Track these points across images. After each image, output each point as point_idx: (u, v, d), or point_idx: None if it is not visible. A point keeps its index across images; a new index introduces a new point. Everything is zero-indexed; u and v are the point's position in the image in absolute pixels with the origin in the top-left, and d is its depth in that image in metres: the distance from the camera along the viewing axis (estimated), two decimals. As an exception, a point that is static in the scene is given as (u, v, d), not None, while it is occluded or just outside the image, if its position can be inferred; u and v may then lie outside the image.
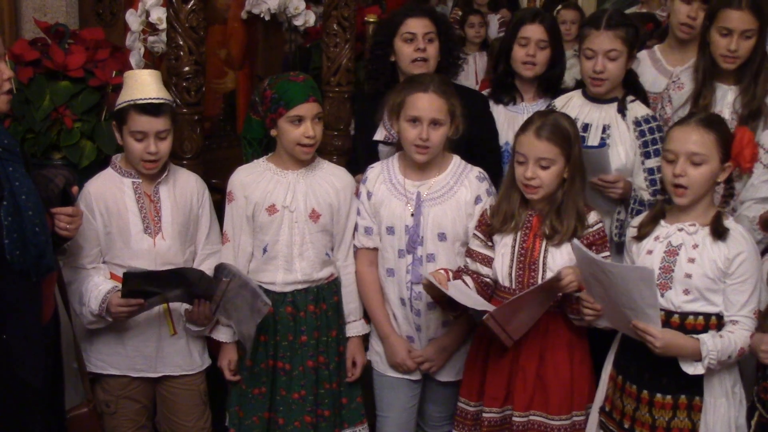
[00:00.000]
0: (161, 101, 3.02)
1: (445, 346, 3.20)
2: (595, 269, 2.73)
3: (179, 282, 2.94)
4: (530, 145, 2.91)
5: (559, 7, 5.70)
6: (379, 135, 3.51)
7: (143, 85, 3.02)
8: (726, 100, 3.40)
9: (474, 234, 3.08)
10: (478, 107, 3.45)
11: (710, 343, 2.68)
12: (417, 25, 3.47)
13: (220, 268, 2.97)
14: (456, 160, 3.18)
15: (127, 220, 3.05)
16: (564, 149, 2.91)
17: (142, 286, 2.91)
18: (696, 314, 2.75)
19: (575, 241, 2.81)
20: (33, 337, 2.60)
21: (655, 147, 3.28)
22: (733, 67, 3.34)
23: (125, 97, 3.02)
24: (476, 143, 3.29)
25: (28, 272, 2.55)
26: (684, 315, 2.76)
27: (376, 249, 3.22)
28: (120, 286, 2.92)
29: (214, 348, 3.25)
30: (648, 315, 2.68)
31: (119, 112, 3.02)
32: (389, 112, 3.18)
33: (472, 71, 5.83)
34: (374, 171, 3.23)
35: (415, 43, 3.46)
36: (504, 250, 3.00)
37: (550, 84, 3.67)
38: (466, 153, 3.24)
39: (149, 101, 2.99)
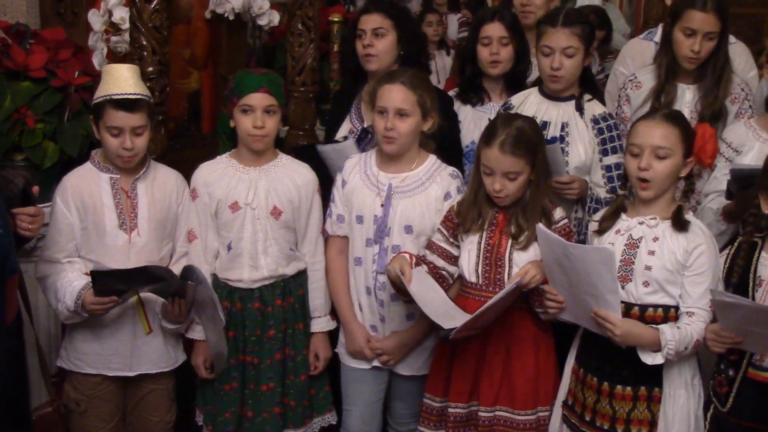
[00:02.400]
0: (138, 96, 3.00)
1: (405, 341, 3.22)
2: (557, 253, 2.75)
3: (146, 279, 2.94)
4: (496, 159, 2.92)
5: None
6: (344, 129, 3.53)
7: (120, 79, 3.00)
8: (685, 99, 3.45)
9: (438, 228, 3.10)
10: (440, 106, 3.46)
11: (669, 333, 2.72)
12: (366, 21, 3.53)
13: (188, 271, 2.96)
14: (432, 158, 3.21)
15: (103, 215, 3.04)
16: (529, 159, 2.94)
17: (110, 285, 2.90)
18: (655, 306, 2.79)
19: (539, 225, 2.84)
20: (-3, 339, 2.59)
21: (612, 144, 3.33)
22: (693, 67, 3.39)
23: (102, 91, 3.01)
24: (438, 141, 3.31)
25: None
26: (644, 307, 2.79)
27: (346, 237, 3.24)
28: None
29: (186, 344, 3.26)
30: (608, 302, 2.71)
31: (96, 107, 3.01)
32: (366, 106, 3.22)
33: (433, 70, 5.85)
34: (352, 161, 3.27)
35: (363, 39, 3.50)
36: (470, 246, 3.03)
37: (516, 81, 3.71)
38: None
39: (125, 96, 2.97)
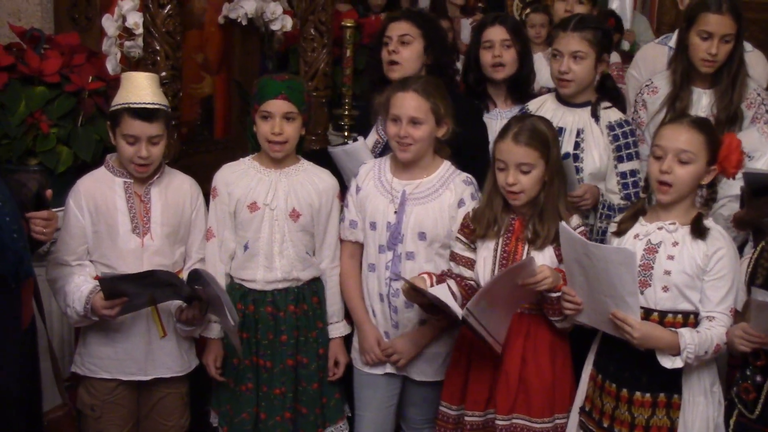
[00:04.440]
0: (156, 106, 3.00)
1: (415, 340, 3.21)
2: (578, 252, 2.74)
3: (154, 283, 2.93)
4: (509, 151, 2.93)
5: (528, 10, 5.74)
6: (371, 140, 3.54)
7: (139, 88, 3.01)
8: (701, 104, 3.44)
9: (457, 237, 3.09)
10: (466, 113, 3.44)
11: (688, 336, 2.70)
12: (393, 28, 3.52)
13: (195, 275, 2.96)
14: (446, 165, 3.20)
15: (116, 219, 3.04)
16: (543, 153, 2.93)
17: (118, 289, 2.90)
18: (675, 312, 2.77)
19: (562, 223, 2.83)
20: (11, 343, 2.59)
21: (628, 151, 3.32)
22: (711, 71, 3.38)
23: (120, 99, 3.01)
24: (463, 149, 3.30)
25: (7, 279, 2.53)
26: (663, 313, 2.77)
27: (359, 243, 3.24)
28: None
29: (197, 346, 3.26)
30: (627, 303, 2.69)
31: (113, 114, 3.02)
32: (380, 114, 3.22)
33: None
34: (366, 167, 3.27)
35: (389, 46, 3.49)
36: (486, 253, 3.02)
37: (520, 86, 3.70)
38: (454, 158, 3.25)
39: (143, 106, 2.98)
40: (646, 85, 3.61)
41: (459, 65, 5.46)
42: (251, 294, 3.17)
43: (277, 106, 3.09)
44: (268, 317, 3.17)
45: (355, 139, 3.44)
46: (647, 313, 2.77)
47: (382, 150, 3.50)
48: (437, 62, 3.51)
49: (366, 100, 3.75)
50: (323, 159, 3.47)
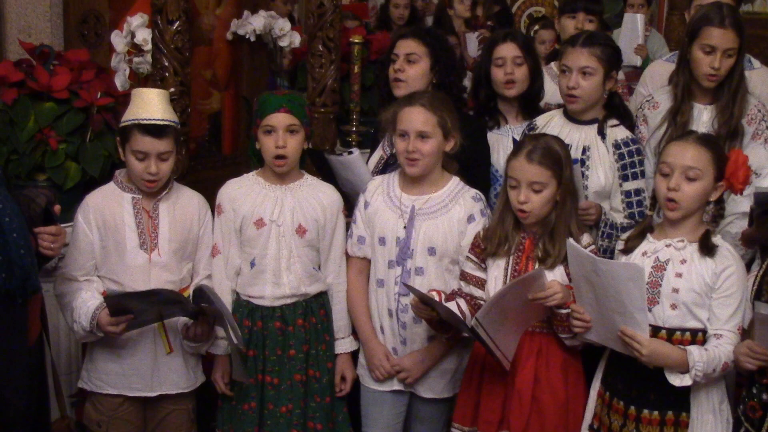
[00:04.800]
0: (166, 123, 3.01)
1: (423, 358, 3.20)
2: (587, 269, 2.73)
3: (159, 302, 2.94)
4: (522, 169, 2.93)
5: (537, 27, 5.75)
6: (376, 156, 3.55)
7: (149, 104, 3.01)
8: (702, 119, 3.43)
9: (468, 256, 3.09)
10: (471, 131, 3.42)
11: (697, 353, 2.69)
12: (400, 46, 3.53)
13: (199, 292, 2.96)
14: (455, 180, 3.20)
15: (124, 234, 3.04)
16: (555, 172, 2.93)
17: (124, 306, 2.91)
18: (683, 330, 2.76)
19: (570, 239, 2.83)
20: (17, 358, 2.59)
21: (633, 170, 3.31)
22: (712, 85, 3.38)
23: (130, 115, 3.02)
24: (465, 166, 3.30)
25: (14, 294, 2.53)
26: (671, 331, 2.77)
27: (366, 259, 3.24)
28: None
29: (204, 363, 3.25)
30: (636, 320, 2.69)
31: (123, 129, 3.02)
32: (387, 129, 3.23)
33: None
34: (375, 182, 3.27)
35: (395, 64, 3.50)
36: (497, 272, 3.01)
37: (531, 102, 3.70)
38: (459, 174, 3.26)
39: (153, 122, 2.98)
40: (647, 101, 3.61)
41: (467, 82, 5.49)
42: (259, 310, 3.17)
43: (279, 119, 3.10)
44: (277, 332, 3.17)
45: (350, 152, 3.44)
46: (655, 331, 2.76)
47: (383, 167, 3.51)
48: (443, 81, 3.51)
49: (376, 116, 3.77)
50: (319, 160, 3.47)
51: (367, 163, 3.55)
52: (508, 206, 3.00)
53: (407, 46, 3.51)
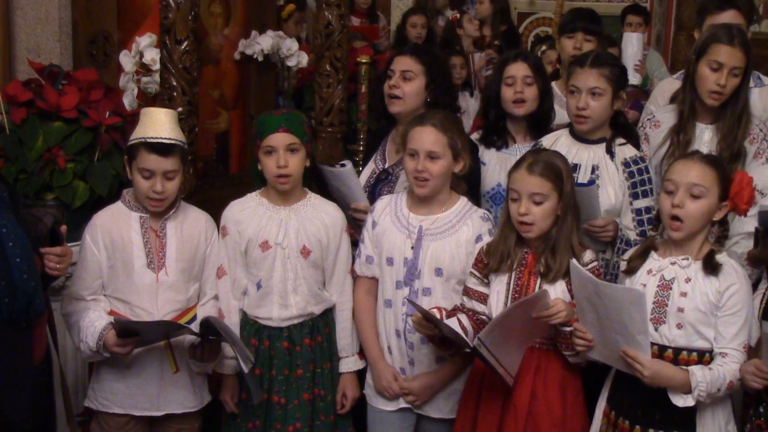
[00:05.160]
0: (172, 142, 3.02)
1: (432, 383, 3.19)
2: (589, 290, 2.74)
3: (167, 332, 2.95)
4: (523, 180, 2.93)
5: (544, 47, 5.76)
6: (368, 170, 3.55)
7: (156, 123, 3.03)
8: (703, 139, 3.43)
9: (471, 272, 3.09)
10: None
11: (699, 374, 2.68)
12: (397, 62, 3.54)
13: (207, 324, 2.94)
14: (463, 200, 3.21)
15: (131, 253, 3.05)
16: (556, 185, 2.93)
17: (132, 329, 2.91)
18: (689, 350, 2.76)
19: (572, 261, 2.83)
20: (22, 379, 2.59)
21: (643, 188, 3.31)
22: (716, 104, 3.38)
23: (138, 133, 3.03)
24: None
25: (18, 320, 2.54)
26: (677, 350, 2.76)
27: (374, 278, 3.24)
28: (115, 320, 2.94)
29: (211, 383, 3.25)
30: (638, 342, 2.68)
31: (130, 148, 3.04)
32: (395, 147, 3.23)
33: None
34: (382, 202, 3.27)
35: (391, 80, 3.51)
36: (499, 287, 3.01)
37: (540, 123, 3.70)
38: None
39: (160, 140, 2.99)
40: (648, 119, 3.61)
41: (477, 101, 5.49)
42: (266, 330, 3.17)
43: (279, 139, 3.11)
44: (284, 352, 3.17)
45: (343, 165, 3.45)
46: (661, 350, 2.76)
47: (375, 181, 3.51)
48: (437, 100, 3.52)
49: (375, 130, 3.82)
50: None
51: (359, 176, 3.57)
52: (510, 222, 3.01)
53: (404, 63, 3.52)
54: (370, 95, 3.80)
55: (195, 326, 2.99)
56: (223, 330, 2.90)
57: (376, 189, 3.52)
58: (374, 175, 3.58)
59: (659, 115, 3.57)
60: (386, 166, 3.56)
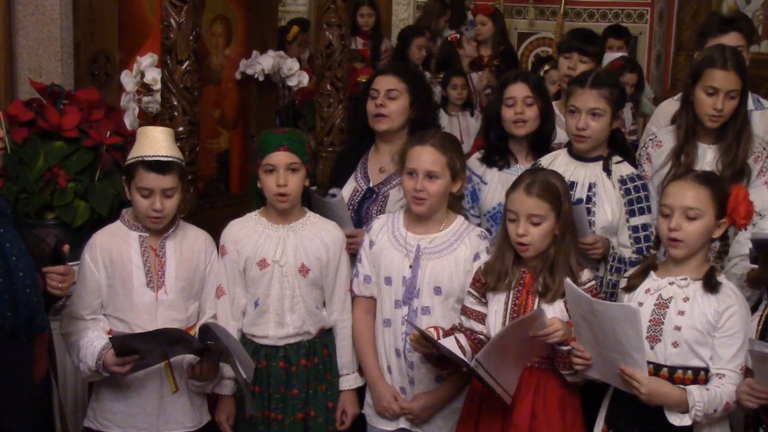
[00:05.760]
0: (170, 159, 3.02)
1: (432, 403, 3.19)
2: (584, 309, 2.74)
3: (165, 341, 2.94)
4: (521, 202, 2.94)
5: (547, 67, 5.78)
6: (349, 189, 3.56)
7: (154, 142, 3.03)
8: (706, 159, 3.44)
9: (468, 291, 3.09)
10: None
11: (697, 393, 2.68)
12: (380, 82, 3.57)
13: (205, 330, 2.95)
14: (460, 219, 3.22)
15: (131, 272, 3.05)
16: (554, 205, 2.94)
17: (130, 347, 2.91)
18: (685, 368, 2.75)
19: (567, 279, 2.83)
20: (22, 396, 2.59)
21: (639, 205, 3.31)
22: (716, 126, 3.39)
23: (135, 152, 3.04)
24: None
25: (19, 333, 2.53)
26: (673, 369, 2.76)
27: (372, 298, 3.24)
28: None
29: (211, 402, 3.24)
30: (634, 359, 2.69)
31: (128, 167, 3.04)
32: (396, 165, 3.25)
33: (456, 131, 5.91)
34: (379, 222, 3.28)
35: (376, 99, 3.53)
36: (497, 306, 3.01)
37: (541, 142, 3.71)
38: None
39: (157, 158, 3.00)
40: (650, 139, 3.62)
41: (478, 121, 5.49)
42: (263, 349, 3.17)
43: (280, 158, 3.11)
44: (280, 371, 3.17)
45: (333, 195, 3.44)
46: (657, 369, 2.76)
47: (361, 199, 3.52)
48: (421, 118, 3.55)
49: (348, 149, 3.84)
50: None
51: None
52: (507, 241, 3.01)
53: (388, 83, 3.54)
54: (349, 115, 3.82)
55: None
56: (223, 337, 2.89)
57: (362, 208, 3.53)
58: (358, 194, 3.58)
59: (661, 135, 3.58)
60: (371, 185, 3.56)
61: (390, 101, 3.52)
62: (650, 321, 2.78)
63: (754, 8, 7.80)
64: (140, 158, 3.00)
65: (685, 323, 2.74)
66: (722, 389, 2.69)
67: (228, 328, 3.12)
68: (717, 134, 3.43)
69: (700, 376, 2.75)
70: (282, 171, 3.11)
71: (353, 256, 3.32)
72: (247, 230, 3.20)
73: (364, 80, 4.53)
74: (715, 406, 2.68)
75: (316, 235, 3.21)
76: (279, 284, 3.14)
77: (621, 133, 3.53)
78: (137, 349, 2.91)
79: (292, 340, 3.18)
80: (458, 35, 6.96)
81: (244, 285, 3.18)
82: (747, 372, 2.73)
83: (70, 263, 2.82)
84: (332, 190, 3.50)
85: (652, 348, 2.76)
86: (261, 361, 3.17)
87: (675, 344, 2.75)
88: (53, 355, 2.94)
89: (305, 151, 3.20)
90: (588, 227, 3.23)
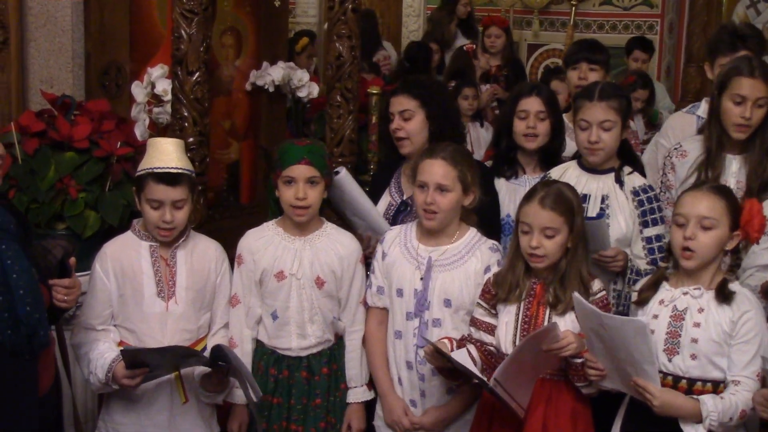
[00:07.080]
0: (179, 171, 3.02)
1: (443, 418, 3.18)
2: (594, 323, 2.74)
3: (175, 356, 2.93)
4: (535, 214, 2.93)
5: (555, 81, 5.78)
6: (384, 202, 3.54)
7: (163, 153, 3.03)
8: (731, 169, 3.42)
9: (478, 303, 3.07)
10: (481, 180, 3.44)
11: (710, 403, 2.67)
12: (393, 104, 3.59)
13: (218, 351, 2.93)
14: (472, 232, 3.20)
15: (142, 282, 3.05)
16: (567, 218, 2.93)
17: (140, 360, 2.90)
18: (704, 380, 2.75)
19: (576, 294, 2.82)
20: (27, 412, 2.57)
21: (653, 216, 3.31)
22: (744, 137, 3.36)
23: (145, 164, 3.04)
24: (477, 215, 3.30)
25: (20, 351, 2.53)
26: (692, 381, 2.75)
27: (386, 309, 3.23)
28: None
29: (220, 413, 3.23)
30: (646, 372, 2.68)
31: (138, 179, 3.04)
32: (408, 179, 3.21)
33: (467, 141, 5.90)
34: (392, 233, 3.27)
35: (393, 123, 3.55)
36: (508, 318, 3.00)
37: (551, 156, 3.70)
38: None
39: (167, 170, 3.00)
40: (675, 149, 3.59)
41: (488, 132, 5.48)
42: (285, 360, 3.17)
43: (300, 171, 3.11)
44: (303, 382, 3.18)
45: (336, 172, 3.44)
46: (676, 381, 2.75)
47: (395, 212, 3.51)
48: (440, 129, 3.54)
49: (385, 161, 3.88)
50: None
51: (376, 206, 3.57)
52: (519, 252, 3.00)
53: (400, 104, 3.55)
54: (380, 136, 3.83)
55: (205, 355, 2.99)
56: (234, 360, 2.89)
57: (396, 221, 3.52)
58: (392, 207, 3.58)
59: (686, 146, 3.56)
60: (405, 198, 3.56)
61: (405, 122, 3.53)
62: (667, 333, 2.78)
63: (765, 19, 7.79)
64: (150, 170, 3.00)
65: (701, 336, 2.73)
66: (737, 396, 2.68)
67: (243, 337, 3.15)
68: (743, 145, 3.41)
69: (720, 387, 2.74)
70: (302, 184, 3.11)
71: (368, 266, 3.31)
72: (264, 241, 3.20)
73: (374, 91, 4.53)
74: (731, 414, 2.67)
75: (332, 247, 3.20)
76: (297, 296, 3.14)
77: (628, 142, 3.53)
78: (147, 362, 2.91)
79: (314, 350, 3.18)
80: (474, 45, 6.95)
81: (260, 295, 3.18)
82: (764, 379, 2.71)
83: (80, 273, 2.82)
84: (336, 169, 3.49)
85: (670, 360, 2.76)
86: (283, 371, 3.17)
87: (693, 356, 2.74)
88: (67, 363, 2.94)
89: (325, 164, 3.19)
90: (609, 241, 3.22)
